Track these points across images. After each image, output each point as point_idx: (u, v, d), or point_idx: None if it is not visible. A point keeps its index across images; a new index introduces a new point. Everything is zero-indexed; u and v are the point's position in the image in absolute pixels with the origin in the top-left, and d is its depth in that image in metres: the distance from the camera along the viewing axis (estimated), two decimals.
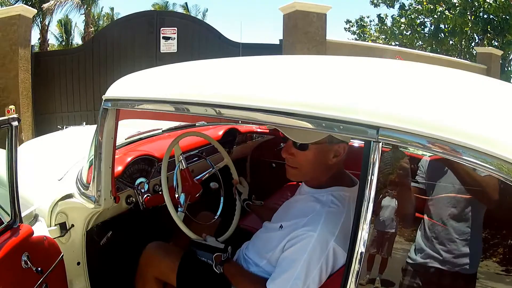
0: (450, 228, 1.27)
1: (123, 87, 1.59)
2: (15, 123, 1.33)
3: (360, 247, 0.96)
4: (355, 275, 0.98)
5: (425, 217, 1.27)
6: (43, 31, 13.80)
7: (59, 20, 20.11)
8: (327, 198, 1.33)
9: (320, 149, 1.32)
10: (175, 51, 7.99)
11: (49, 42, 15.70)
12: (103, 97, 1.60)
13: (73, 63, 8.13)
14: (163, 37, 8.06)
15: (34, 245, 1.48)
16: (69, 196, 1.82)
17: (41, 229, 1.66)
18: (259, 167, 3.35)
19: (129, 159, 2.10)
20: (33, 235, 1.50)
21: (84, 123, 4.69)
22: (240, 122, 3.52)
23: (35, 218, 1.76)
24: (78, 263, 1.87)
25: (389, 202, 1.10)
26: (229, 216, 1.99)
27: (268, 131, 3.29)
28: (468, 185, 1.22)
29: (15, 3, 11.14)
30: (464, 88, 0.99)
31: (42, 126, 7.63)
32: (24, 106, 7.46)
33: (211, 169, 2.19)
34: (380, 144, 0.90)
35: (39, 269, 1.43)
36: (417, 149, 0.88)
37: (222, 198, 2.19)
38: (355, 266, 0.98)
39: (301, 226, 1.28)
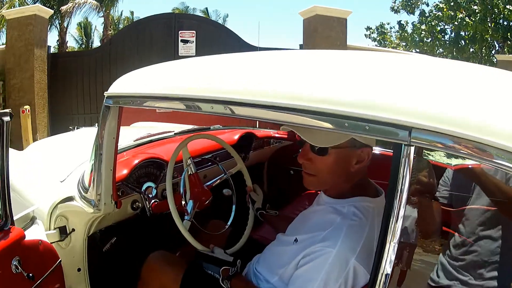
0: (476, 247, 1.14)
1: (126, 84, 1.48)
2: (6, 118, 1.24)
3: (386, 268, 0.83)
4: None
5: (451, 233, 1.15)
6: (62, 33, 13.92)
7: (79, 23, 20.45)
8: (349, 210, 1.19)
9: (341, 154, 1.17)
10: (194, 54, 7.98)
11: (68, 44, 15.86)
12: (105, 94, 1.50)
13: (90, 64, 8.16)
14: (182, 40, 8.06)
15: (26, 249, 1.39)
16: (70, 199, 1.72)
17: (37, 233, 1.57)
18: (276, 174, 3.20)
19: (136, 161, 1.99)
20: (26, 239, 1.41)
21: (97, 124, 4.62)
22: (257, 125, 3.39)
23: (31, 220, 1.67)
24: (79, 270, 1.77)
25: (411, 212, 0.97)
26: (241, 226, 1.85)
27: (286, 136, 3.15)
28: (497, 197, 1.10)
29: (34, 4, 11.27)
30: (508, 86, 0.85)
31: (58, 127, 7.66)
32: (40, 106, 7.50)
33: (223, 174, 2.05)
34: (413, 148, 0.76)
35: (31, 274, 1.34)
36: (457, 155, 0.74)
37: (234, 206, 2.04)
38: None
39: (319, 241, 1.14)
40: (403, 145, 0.77)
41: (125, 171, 1.91)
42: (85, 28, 21.31)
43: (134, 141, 2.42)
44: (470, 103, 0.74)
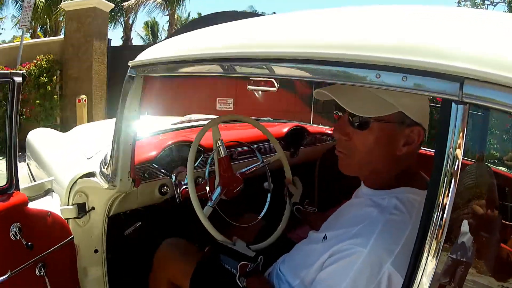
0: None
1: (151, 52, 1.37)
2: (18, 79, 1.18)
3: (423, 279, 0.63)
4: None
5: None
6: (127, 30, 14.41)
7: (146, 22, 21.18)
8: (389, 202, 0.96)
9: (385, 130, 0.94)
10: None
11: (133, 41, 16.40)
12: (129, 64, 1.40)
13: None
14: None
15: (29, 217, 1.33)
16: (91, 174, 1.63)
17: (48, 204, 1.50)
18: (329, 173, 2.94)
19: (168, 143, 1.86)
20: (33, 208, 1.35)
21: (146, 112, 4.63)
22: (311, 121, 3.20)
23: (45, 192, 1.60)
24: (96, 251, 1.68)
25: (462, 204, 0.76)
26: (275, 222, 1.66)
27: None
28: None
29: None
30: None
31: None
32: (97, 97, 7.73)
33: (259, 163, 1.86)
34: (466, 107, 0.55)
35: (30, 243, 1.26)
36: None
37: (269, 196, 1.82)
38: None
39: (349, 237, 0.92)
40: (452, 104, 0.56)
41: (154, 152, 1.80)
42: (152, 28, 22.01)
43: (172, 124, 2.32)
44: None
